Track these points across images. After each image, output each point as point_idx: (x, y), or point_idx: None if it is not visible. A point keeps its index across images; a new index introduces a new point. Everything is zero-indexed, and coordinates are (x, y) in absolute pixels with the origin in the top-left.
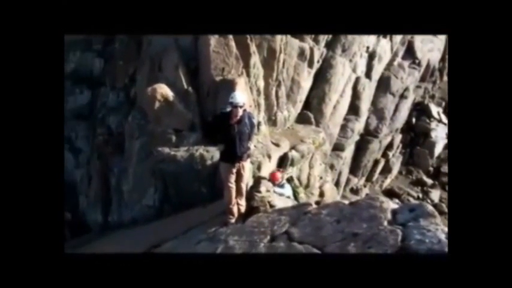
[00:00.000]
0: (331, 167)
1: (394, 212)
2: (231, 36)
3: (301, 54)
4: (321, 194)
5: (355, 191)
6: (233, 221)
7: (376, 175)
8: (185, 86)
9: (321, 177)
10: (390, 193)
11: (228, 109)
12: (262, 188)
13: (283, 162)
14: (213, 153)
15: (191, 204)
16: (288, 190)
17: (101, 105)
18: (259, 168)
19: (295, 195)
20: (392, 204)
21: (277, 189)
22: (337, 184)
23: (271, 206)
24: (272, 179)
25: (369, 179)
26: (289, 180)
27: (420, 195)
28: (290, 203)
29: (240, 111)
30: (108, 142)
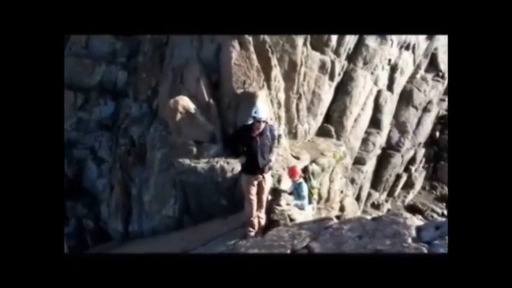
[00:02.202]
0: (352, 181)
1: (419, 229)
2: (252, 49)
3: (322, 67)
4: (342, 209)
5: (376, 206)
6: (253, 233)
7: (398, 190)
8: (206, 98)
9: (341, 191)
10: (413, 209)
11: (250, 122)
12: (282, 201)
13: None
14: (233, 165)
15: (211, 216)
16: (304, 190)
17: (124, 116)
18: (279, 181)
19: (309, 196)
20: (416, 221)
21: (292, 186)
22: (358, 199)
23: (291, 219)
24: (291, 173)
25: (390, 194)
26: (306, 179)
27: (445, 212)
28: (308, 210)
29: (262, 125)
30: (130, 152)
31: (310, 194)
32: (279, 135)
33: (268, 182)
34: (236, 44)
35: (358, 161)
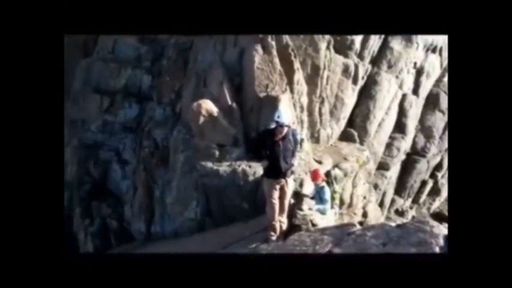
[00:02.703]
0: (375, 186)
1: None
2: (275, 53)
3: (346, 70)
4: (364, 215)
5: (400, 213)
6: (274, 238)
7: (424, 197)
8: (229, 102)
9: (364, 197)
10: (439, 217)
11: (273, 126)
12: (305, 206)
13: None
14: (255, 169)
15: (232, 219)
16: (326, 193)
17: (148, 119)
18: (301, 185)
19: (331, 201)
20: (444, 230)
21: (314, 190)
22: (381, 205)
23: (313, 224)
24: (314, 176)
25: (415, 200)
26: (329, 183)
27: None
28: (330, 215)
29: (285, 129)
30: (154, 155)
31: (332, 199)
32: (302, 140)
33: (291, 186)
34: (259, 47)
35: (382, 166)
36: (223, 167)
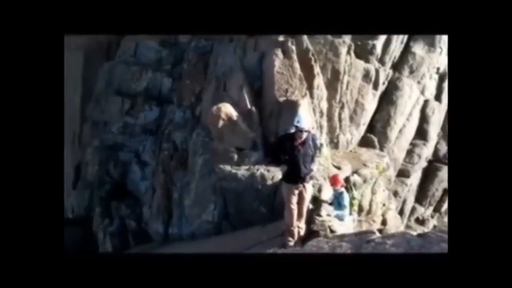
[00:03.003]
0: (395, 194)
1: None
2: (295, 57)
3: (366, 75)
4: (383, 222)
5: (421, 222)
6: (292, 243)
7: (446, 205)
8: (249, 106)
9: (383, 204)
10: None
11: (293, 130)
12: (323, 212)
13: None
14: (273, 173)
15: (250, 223)
16: (345, 199)
17: (167, 121)
18: (319, 191)
19: (350, 208)
20: None
21: (333, 195)
22: (401, 213)
23: (332, 231)
24: (333, 181)
25: (437, 209)
26: (348, 189)
27: None
28: (349, 221)
29: (304, 134)
30: (173, 157)
31: (351, 205)
32: (321, 145)
33: (309, 192)
34: (279, 52)
35: (402, 174)
36: (242, 171)
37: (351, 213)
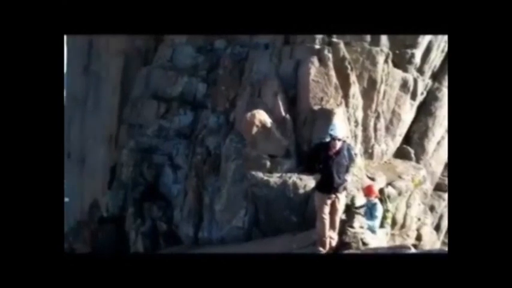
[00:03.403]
0: (432, 208)
1: None
2: (331, 65)
3: (404, 85)
4: (418, 238)
5: None
6: (323, 253)
7: None
8: (283, 113)
9: (419, 219)
10: None
11: (327, 139)
12: (356, 223)
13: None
14: (306, 182)
15: (280, 231)
16: (378, 210)
17: (201, 126)
18: (352, 201)
19: (383, 220)
20: None
21: (365, 205)
22: (437, 228)
23: (364, 243)
24: (367, 191)
25: None
26: (382, 201)
27: None
28: (381, 234)
29: (339, 143)
30: (206, 162)
31: (384, 218)
32: (355, 155)
33: (342, 203)
34: (315, 60)
35: (440, 188)
36: (274, 178)
37: (383, 226)
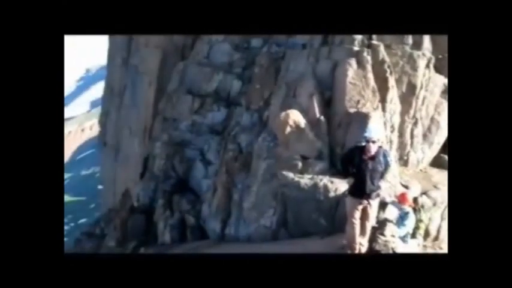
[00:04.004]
0: None
1: None
2: (369, 68)
3: (445, 91)
4: None
5: None
6: None
7: None
8: (317, 115)
9: None
10: None
11: (363, 143)
12: (387, 232)
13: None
14: (337, 185)
15: (308, 233)
16: (410, 220)
17: (234, 123)
18: (384, 208)
19: (415, 230)
20: None
21: (398, 214)
22: None
23: (395, 253)
24: (400, 199)
25: None
26: (416, 210)
27: None
28: (413, 245)
29: (374, 147)
30: (237, 159)
31: (417, 228)
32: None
33: (375, 209)
34: (353, 62)
35: None
36: (305, 180)
37: (415, 236)
